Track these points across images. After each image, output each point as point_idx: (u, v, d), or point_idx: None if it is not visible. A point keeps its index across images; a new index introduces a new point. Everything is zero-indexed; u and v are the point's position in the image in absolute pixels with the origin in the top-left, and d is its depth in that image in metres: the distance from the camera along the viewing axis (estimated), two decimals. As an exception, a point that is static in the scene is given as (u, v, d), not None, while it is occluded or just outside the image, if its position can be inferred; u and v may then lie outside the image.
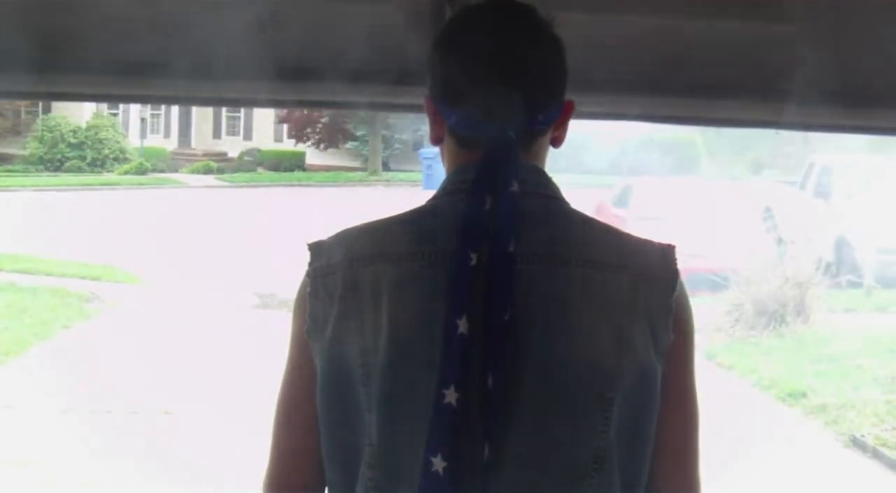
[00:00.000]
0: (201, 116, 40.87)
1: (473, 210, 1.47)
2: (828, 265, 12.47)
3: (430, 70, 1.58)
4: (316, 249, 1.56)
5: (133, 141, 36.30)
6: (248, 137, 40.12)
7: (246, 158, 37.53)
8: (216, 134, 40.98)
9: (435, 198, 1.57)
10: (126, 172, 33.37)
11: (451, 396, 1.41)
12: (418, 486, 1.43)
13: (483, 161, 1.50)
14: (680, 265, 1.58)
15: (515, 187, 1.48)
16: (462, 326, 1.42)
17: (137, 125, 37.44)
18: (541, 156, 1.59)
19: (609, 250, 1.52)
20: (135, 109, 38.05)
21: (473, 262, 1.44)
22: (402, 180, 32.92)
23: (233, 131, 40.81)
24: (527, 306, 1.46)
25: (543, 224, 1.51)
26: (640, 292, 1.51)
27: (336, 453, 1.52)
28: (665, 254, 1.55)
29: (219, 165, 36.25)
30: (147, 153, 35.48)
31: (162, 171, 34.73)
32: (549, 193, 1.56)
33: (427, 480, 1.42)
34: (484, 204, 1.47)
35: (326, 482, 1.56)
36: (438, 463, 1.41)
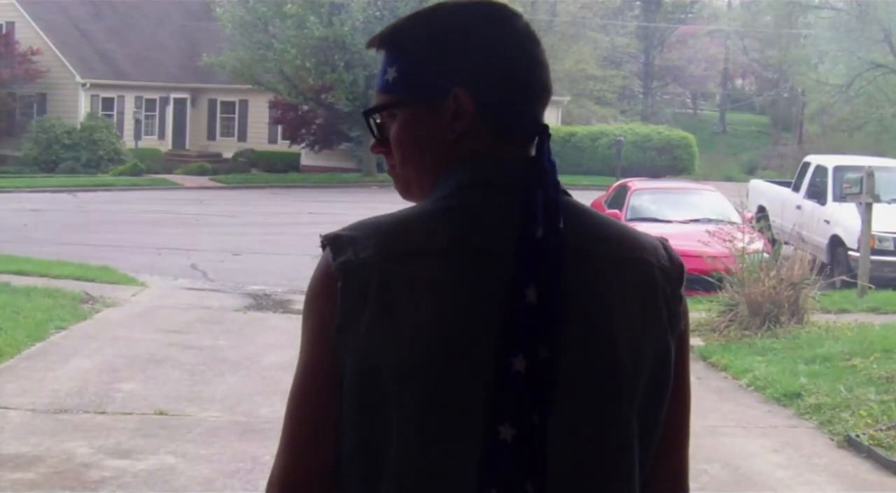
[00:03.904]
0: (196, 117, 40.83)
1: (528, 243, 1.46)
2: (822, 266, 12.48)
3: (440, 57, 1.56)
4: (336, 242, 1.51)
5: (127, 142, 36.26)
6: (242, 138, 40.09)
7: (240, 159, 37.50)
8: (210, 135, 40.94)
9: (460, 188, 1.53)
10: (121, 173, 33.33)
11: (506, 432, 1.42)
12: None
13: (537, 164, 1.52)
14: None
15: (559, 197, 1.52)
16: (518, 364, 1.43)
17: (132, 126, 37.39)
18: None
19: (625, 243, 1.55)
20: (129, 111, 38.03)
21: (531, 299, 1.44)
22: (397, 181, 32.89)
23: (227, 133, 40.78)
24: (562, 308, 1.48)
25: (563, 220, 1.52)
26: (658, 283, 1.54)
27: (360, 449, 1.49)
28: (667, 247, 1.60)
29: (213, 166, 36.22)
30: (142, 154, 35.43)
31: (156, 172, 34.71)
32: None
33: None
34: (536, 233, 1.46)
35: (345, 478, 1.52)
36: None
